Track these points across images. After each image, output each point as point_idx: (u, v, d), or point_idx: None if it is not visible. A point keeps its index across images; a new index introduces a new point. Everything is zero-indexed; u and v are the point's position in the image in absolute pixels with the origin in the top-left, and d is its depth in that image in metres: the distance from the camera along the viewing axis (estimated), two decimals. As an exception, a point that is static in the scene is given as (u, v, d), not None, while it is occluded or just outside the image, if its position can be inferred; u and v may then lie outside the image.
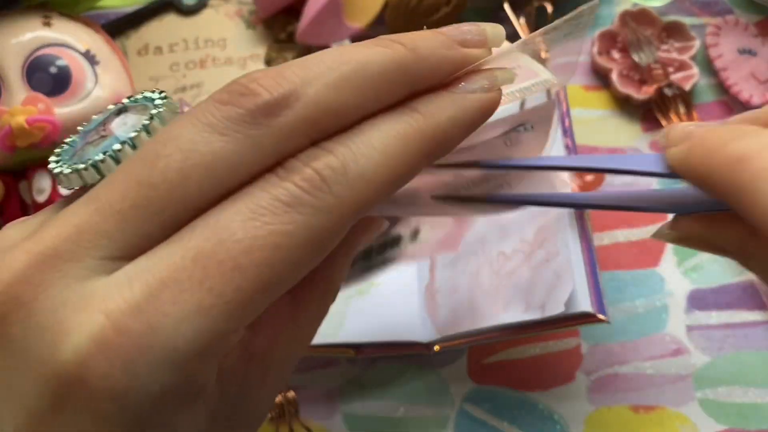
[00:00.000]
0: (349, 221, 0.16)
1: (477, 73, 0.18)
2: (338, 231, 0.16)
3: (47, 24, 0.37)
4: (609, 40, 0.43)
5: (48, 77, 0.35)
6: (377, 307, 0.36)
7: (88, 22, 0.38)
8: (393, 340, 0.35)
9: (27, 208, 0.36)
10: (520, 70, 0.21)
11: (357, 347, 0.36)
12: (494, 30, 0.19)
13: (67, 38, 0.36)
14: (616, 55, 0.43)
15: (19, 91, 0.35)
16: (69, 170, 0.17)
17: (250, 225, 0.15)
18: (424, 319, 0.36)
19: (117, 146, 0.17)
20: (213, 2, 0.45)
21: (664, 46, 0.43)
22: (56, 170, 0.17)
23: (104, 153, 0.17)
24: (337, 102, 0.16)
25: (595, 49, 0.43)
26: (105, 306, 0.14)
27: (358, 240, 0.22)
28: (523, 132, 0.22)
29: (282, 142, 0.16)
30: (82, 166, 0.17)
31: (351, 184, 0.16)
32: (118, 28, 0.43)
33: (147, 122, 0.17)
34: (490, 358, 0.37)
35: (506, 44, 0.19)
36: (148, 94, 0.18)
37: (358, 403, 0.36)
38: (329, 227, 0.16)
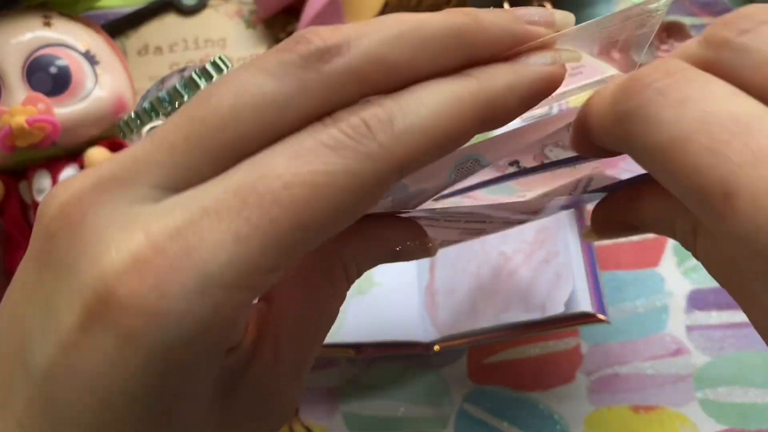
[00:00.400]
0: (391, 175, 0.16)
1: (540, 50, 0.18)
2: (379, 183, 0.16)
3: (47, 24, 0.37)
4: (609, 40, 0.43)
5: (48, 77, 0.35)
6: (377, 307, 0.36)
7: (88, 22, 0.38)
8: (393, 340, 0.35)
9: (27, 208, 0.36)
10: (584, 69, 0.21)
11: (357, 347, 0.36)
12: (564, 17, 0.19)
13: (67, 38, 0.36)
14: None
15: (19, 91, 0.35)
16: (128, 116, 0.18)
17: (292, 163, 0.15)
18: (424, 319, 0.36)
19: (171, 88, 0.18)
20: (213, 2, 0.45)
21: (664, 46, 0.43)
22: (119, 125, 0.18)
23: (159, 94, 0.18)
24: (390, 56, 0.16)
25: (595, 49, 0.43)
26: (147, 227, 0.15)
27: (390, 242, 0.22)
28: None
29: (331, 89, 0.16)
30: (140, 109, 0.18)
31: (397, 136, 0.16)
32: (118, 28, 0.43)
33: (199, 67, 0.18)
34: (490, 358, 0.37)
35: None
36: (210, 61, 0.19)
37: (358, 403, 0.36)
38: (370, 175, 0.16)
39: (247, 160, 0.16)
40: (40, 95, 0.34)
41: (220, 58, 0.19)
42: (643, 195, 0.21)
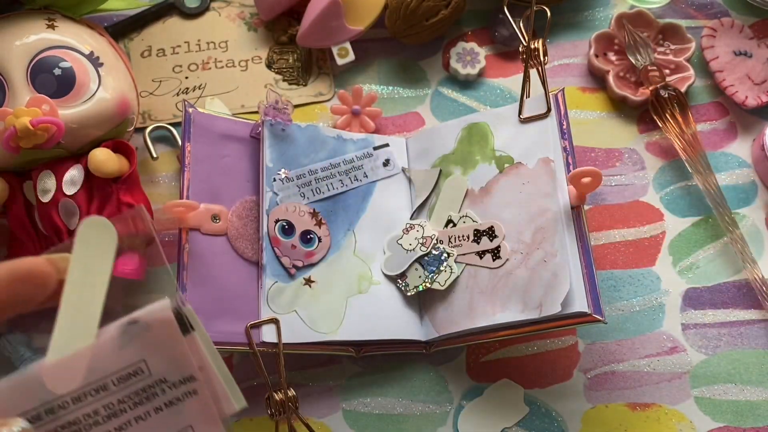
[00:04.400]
0: None
1: None
2: None
3: (51, 26, 0.37)
4: (605, 42, 0.44)
5: (52, 79, 0.35)
6: (377, 306, 0.36)
7: (92, 24, 0.39)
8: (392, 338, 0.36)
9: (31, 208, 0.36)
10: None
11: (357, 345, 0.36)
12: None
13: (70, 40, 0.37)
14: (612, 57, 0.43)
15: (24, 92, 0.35)
16: None
17: None
18: (423, 318, 0.36)
19: None
20: (215, 5, 0.45)
21: (661, 48, 0.43)
22: None
23: None
24: None
25: (592, 51, 0.43)
26: None
27: None
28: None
29: None
30: None
31: None
32: (121, 30, 0.44)
33: None
34: (488, 356, 0.37)
35: None
36: None
37: (359, 400, 0.37)
38: None
39: None
40: (45, 97, 0.35)
41: None
42: None
